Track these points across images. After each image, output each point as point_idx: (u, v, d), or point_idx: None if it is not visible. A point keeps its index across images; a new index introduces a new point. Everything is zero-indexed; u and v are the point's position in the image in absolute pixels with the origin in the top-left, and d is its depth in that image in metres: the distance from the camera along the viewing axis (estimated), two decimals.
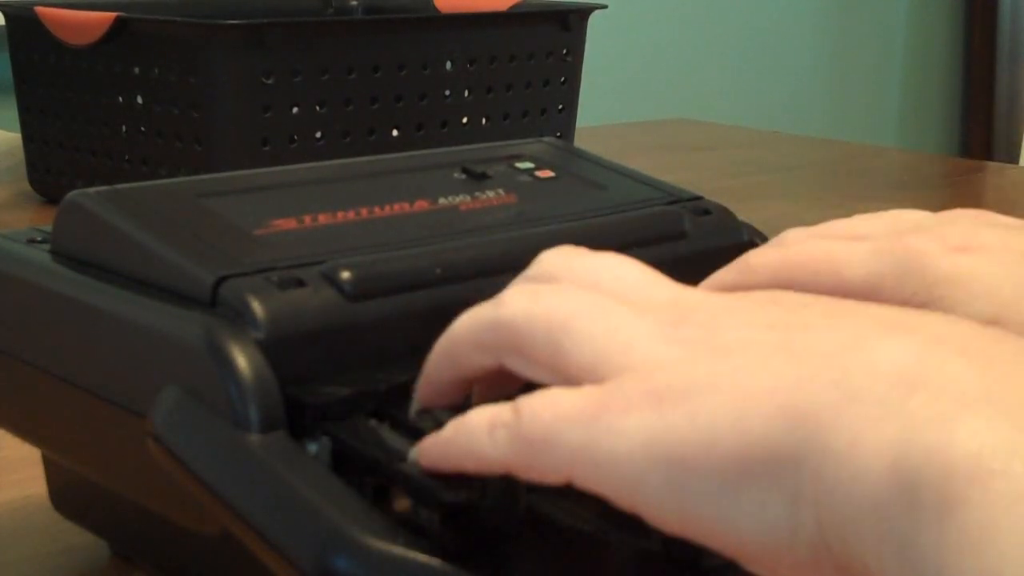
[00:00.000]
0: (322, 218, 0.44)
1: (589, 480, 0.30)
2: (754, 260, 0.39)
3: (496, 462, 0.31)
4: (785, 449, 0.27)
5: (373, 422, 0.36)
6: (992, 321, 0.35)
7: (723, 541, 0.28)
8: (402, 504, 0.34)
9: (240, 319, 0.38)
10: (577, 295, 0.33)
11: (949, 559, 0.24)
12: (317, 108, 0.96)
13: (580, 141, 0.95)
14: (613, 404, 0.30)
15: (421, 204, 0.46)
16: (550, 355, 0.32)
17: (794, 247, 0.39)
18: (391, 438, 0.35)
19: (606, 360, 0.31)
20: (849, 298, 0.36)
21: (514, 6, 1.16)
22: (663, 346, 0.31)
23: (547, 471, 0.30)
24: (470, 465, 0.32)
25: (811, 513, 0.27)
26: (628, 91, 2.36)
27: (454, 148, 0.52)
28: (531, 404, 0.31)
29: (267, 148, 0.93)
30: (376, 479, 0.34)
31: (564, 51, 1.11)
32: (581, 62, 1.13)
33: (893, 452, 0.26)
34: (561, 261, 0.35)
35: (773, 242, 0.41)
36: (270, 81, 0.93)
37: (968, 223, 0.39)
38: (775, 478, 0.27)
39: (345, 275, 0.40)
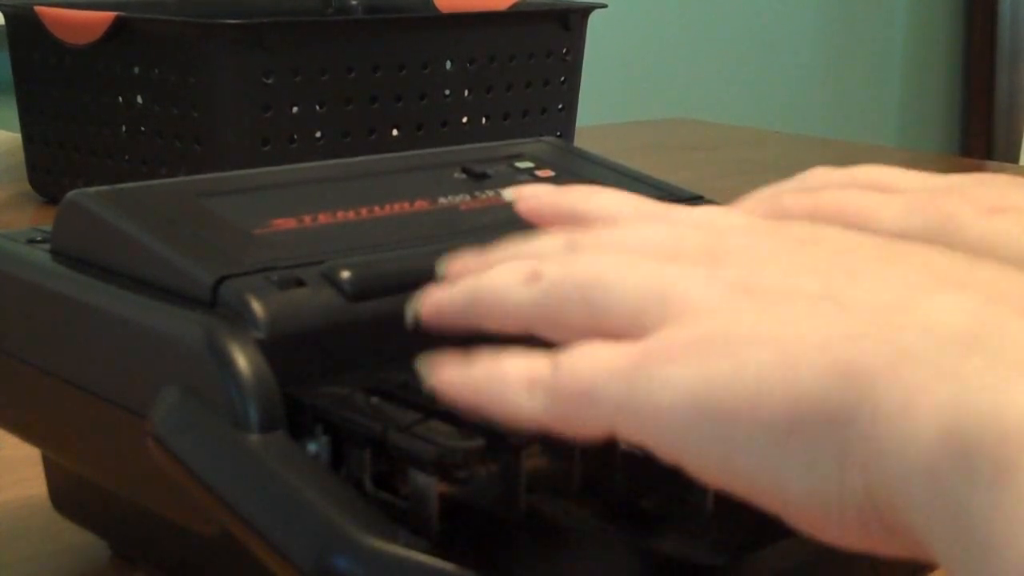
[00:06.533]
0: (322, 218, 0.44)
1: (632, 432, 0.29)
2: (787, 202, 0.38)
3: (531, 418, 0.30)
4: (835, 407, 0.26)
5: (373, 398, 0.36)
6: None
7: (768, 498, 0.28)
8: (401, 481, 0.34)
9: (240, 319, 0.38)
10: (605, 254, 0.32)
11: (999, 526, 0.23)
12: (317, 108, 0.96)
13: (580, 141, 0.95)
14: (655, 354, 0.29)
15: (421, 204, 0.46)
16: (587, 317, 0.31)
17: (827, 194, 0.38)
18: (388, 408, 0.35)
19: (644, 311, 0.30)
20: None
21: (514, 6, 1.15)
22: (702, 289, 0.30)
23: (586, 426, 0.30)
24: (500, 416, 0.31)
25: (859, 474, 0.26)
26: (628, 91, 2.36)
27: (454, 148, 0.52)
28: (569, 358, 0.30)
29: (267, 148, 0.93)
30: (373, 443, 0.34)
31: (564, 51, 1.11)
32: (581, 62, 1.13)
33: (947, 416, 0.25)
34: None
35: (797, 179, 0.40)
36: (270, 81, 0.93)
37: (1000, 184, 0.38)
38: (824, 436, 0.26)
39: (345, 275, 0.40)
